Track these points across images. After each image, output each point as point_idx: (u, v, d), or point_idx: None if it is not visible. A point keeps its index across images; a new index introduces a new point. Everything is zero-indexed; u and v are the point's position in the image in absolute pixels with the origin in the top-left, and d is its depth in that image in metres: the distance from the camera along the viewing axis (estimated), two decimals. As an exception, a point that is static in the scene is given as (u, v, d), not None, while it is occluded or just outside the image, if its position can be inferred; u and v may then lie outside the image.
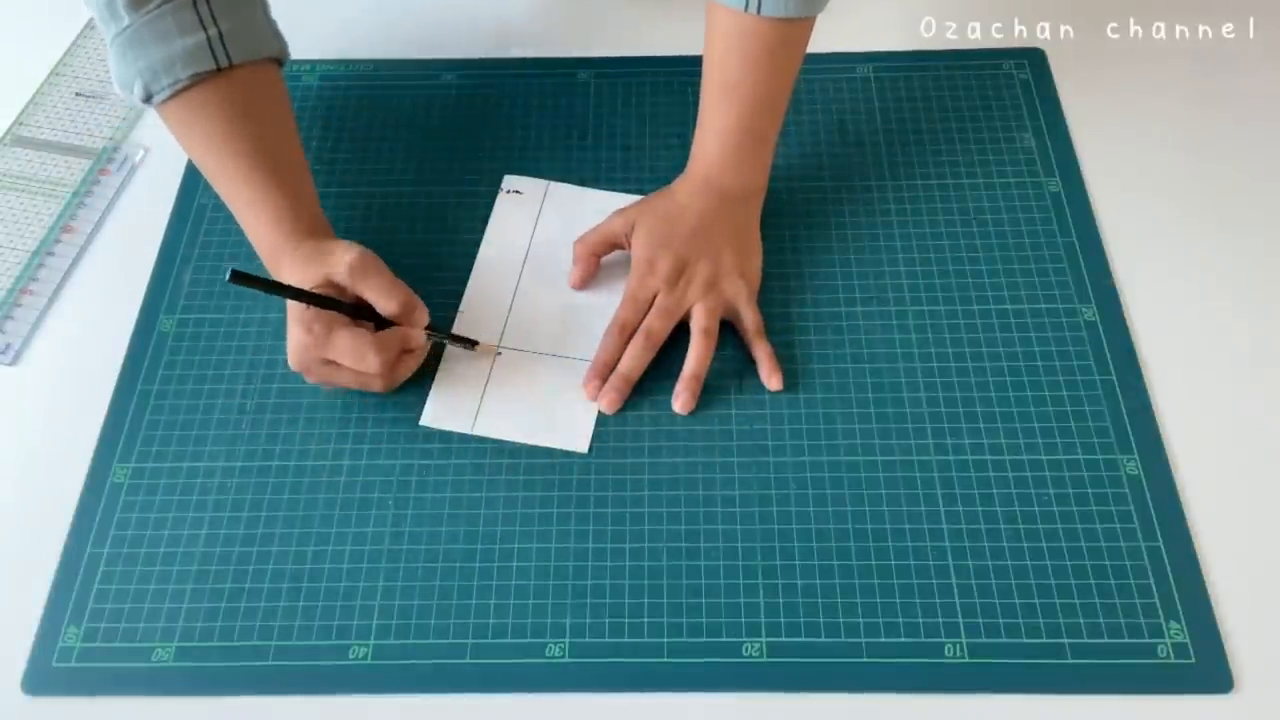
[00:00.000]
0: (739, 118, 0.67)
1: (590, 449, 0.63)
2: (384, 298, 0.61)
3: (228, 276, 0.57)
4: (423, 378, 0.66)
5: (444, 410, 0.65)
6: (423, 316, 0.63)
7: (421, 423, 0.65)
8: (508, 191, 0.75)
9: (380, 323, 0.62)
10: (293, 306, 0.61)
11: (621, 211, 0.70)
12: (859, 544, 0.59)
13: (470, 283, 0.70)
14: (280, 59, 0.68)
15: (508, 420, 0.64)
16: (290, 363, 0.61)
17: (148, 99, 0.63)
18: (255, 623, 0.58)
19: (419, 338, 0.63)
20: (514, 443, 0.64)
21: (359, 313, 0.62)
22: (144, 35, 0.62)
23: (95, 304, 0.71)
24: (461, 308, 0.69)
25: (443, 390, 0.66)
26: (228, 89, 0.64)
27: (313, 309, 0.60)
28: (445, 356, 0.67)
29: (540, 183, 0.76)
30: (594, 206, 0.73)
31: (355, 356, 0.60)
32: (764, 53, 0.64)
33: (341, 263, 0.61)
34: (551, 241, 0.72)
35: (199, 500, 0.62)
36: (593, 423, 0.64)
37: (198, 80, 0.63)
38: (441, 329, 0.66)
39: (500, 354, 0.67)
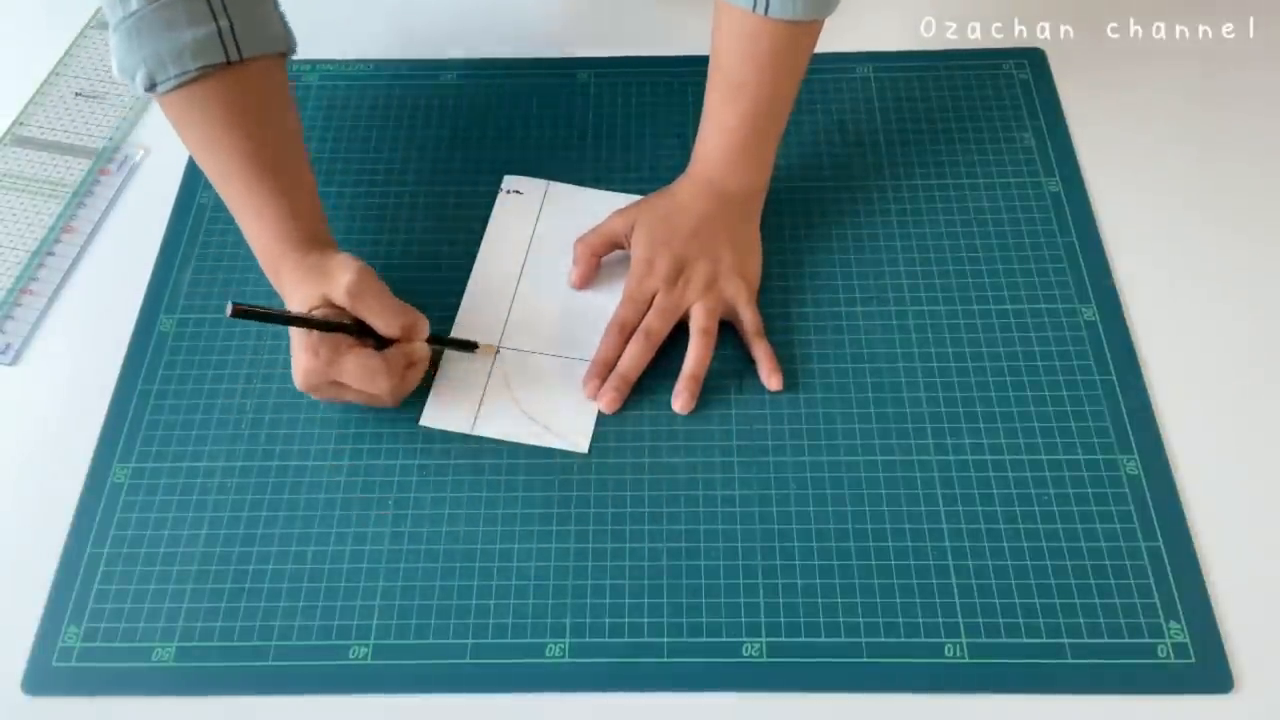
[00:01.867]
0: (743, 118, 0.67)
1: (590, 449, 0.63)
2: (383, 320, 0.61)
3: (229, 312, 0.56)
4: (423, 378, 0.66)
5: (444, 410, 0.65)
6: (423, 329, 0.62)
7: (421, 423, 0.65)
8: (508, 191, 0.75)
9: (381, 337, 0.62)
10: (296, 329, 0.61)
11: (622, 211, 0.70)
12: (859, 544, 0.59)
13: (470, 283, 0.70)
14: (288, 53, 0.66)
15: (508, 420, 0.64)
16: (297, 384, 0.61)
17: (151, 88, 0.61)
18: (255, 623, 0.58)
19: (422, 351, 0.63)
20: (514, 443, 0.64)
21: (361, 329, 0.61)
22: (152, 22, 0.59)
23: (95, 304, 0.71)
24: (461, 308, 0.69)
25: (443, 391, 0.66)
26: (235, 85, 0.62)
27: (317, 331, 0.60)
28: (445, 357, 0.67)
29: (540, 183, 0.76)
30: (594, 206, 0.73)
31: (363, 379, 0.60)
32: (770, 54, 0.64)
33: (339, 284, 0.60)
34: (551, 241, 0.72)
35: (199, 500, 0.62)
36: (593, 423, 0.64)
37: (205, 73, 0.60)
38: (441, 336, 0.66)
39: (500, 353, 0.67)
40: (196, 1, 0.60)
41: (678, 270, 0.67)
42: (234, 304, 0.56)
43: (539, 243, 0.73)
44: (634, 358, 0.65)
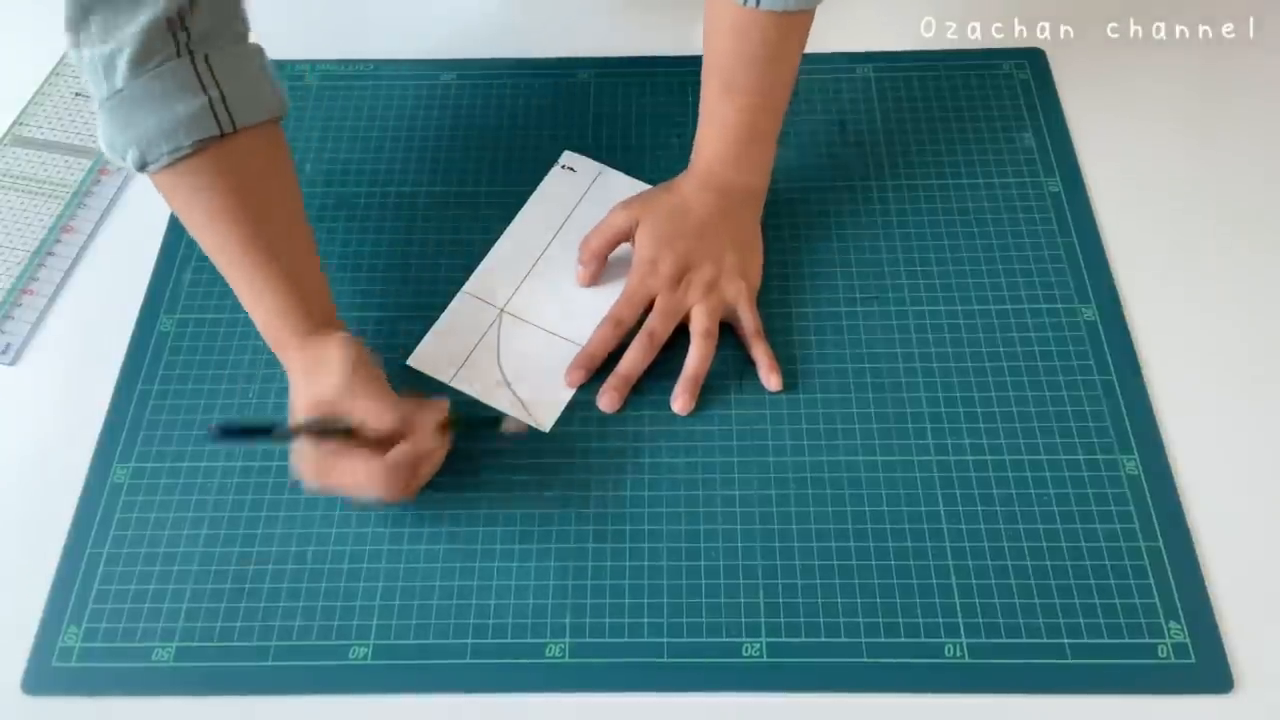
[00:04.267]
0: (740, 113, 0.67)
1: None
2: (375, 419, 0.57)
3: (211, 434, 0.56)
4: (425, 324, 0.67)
5: (432, 356, 0.66)
6: (430, 415, 0.58)
7: (409, 363, 0.66)
8: (563, 166, 0.76)
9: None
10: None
11: (625, 205, 0.70)
12: (859, 544, 0.59)
13: (499, 242, 0.72)
14: (283, 116, 0.62)
15: (485, 381, 0.65)
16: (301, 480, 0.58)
17: (142, 167, 0.57)
18: (255, 623, 0.58)
19: (424, 444, 0.58)
20: (484, 404, 0.65)
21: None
22: (140, 97, 0.56)
23: (95, 304, 0.71)
24: (482, 265, 0.71)
25: (437, 336, 0.67)
26: (231, 156, 0.58)
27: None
28: (450, 307, 0.68)
29: (596, 165, 0.76)
30: None
31: (355, 489, 0.57)
32: (762, 46, 0.64)
33: (329, 387, 0.57)
34: (587, 224, 0.71)
35: (199, 500, 0.62)
36: (563, 406, 0.65)
37: (199, 148, 0.57)
38: (465, 415, 0.62)
39: (502, 315, 0.68)
40: (184, 72, 0.56)
41: (681, 271, 0.67)
42: (216, 426, 0.54)
43: (574, 222, 0.73)
44: (635, 359, 0.65)
